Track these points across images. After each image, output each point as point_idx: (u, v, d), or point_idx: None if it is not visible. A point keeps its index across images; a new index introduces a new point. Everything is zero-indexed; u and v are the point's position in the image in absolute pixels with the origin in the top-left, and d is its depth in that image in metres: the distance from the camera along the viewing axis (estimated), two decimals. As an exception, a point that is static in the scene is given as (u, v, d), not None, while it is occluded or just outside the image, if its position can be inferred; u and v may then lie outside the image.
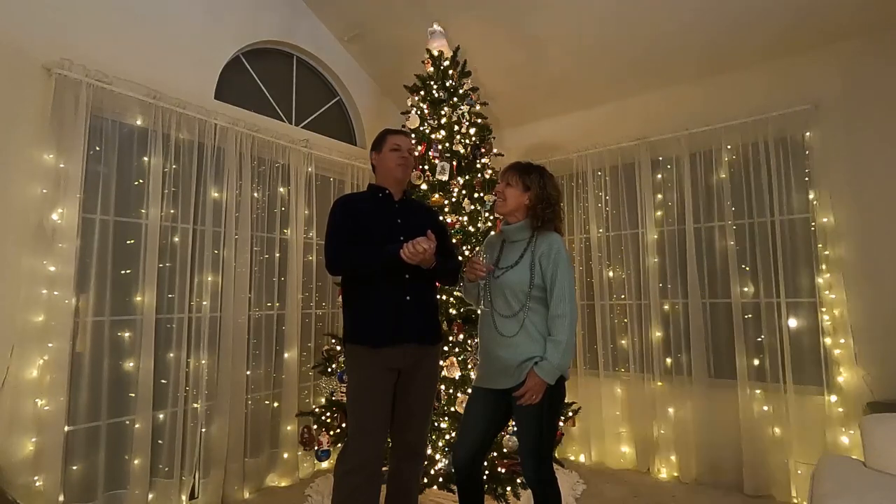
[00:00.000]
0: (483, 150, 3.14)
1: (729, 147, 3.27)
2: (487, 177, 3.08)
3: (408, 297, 1.96)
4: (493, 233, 2.15)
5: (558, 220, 1.95)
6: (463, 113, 3.13)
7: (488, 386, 1.91)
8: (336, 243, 1.96)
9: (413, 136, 3.05)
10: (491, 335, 1.90)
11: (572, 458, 3.71)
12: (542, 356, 1.78)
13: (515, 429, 2.65)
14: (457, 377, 2.68)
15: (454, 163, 3.04)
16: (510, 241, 1.97)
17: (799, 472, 2.90)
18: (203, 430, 2.88)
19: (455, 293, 2.82)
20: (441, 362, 2.66)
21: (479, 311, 2.02)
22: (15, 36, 2.35)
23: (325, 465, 3.38)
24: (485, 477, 2.40)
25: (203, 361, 2.90)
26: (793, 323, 3.04)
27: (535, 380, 1.75)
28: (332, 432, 2.82)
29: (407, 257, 1.79)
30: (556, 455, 2.36)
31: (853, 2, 2.74)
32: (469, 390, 2.63)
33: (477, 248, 2.01)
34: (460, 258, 2.81)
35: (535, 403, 1.76)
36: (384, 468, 2.01)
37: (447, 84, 3.18)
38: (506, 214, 1.98)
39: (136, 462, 2.58)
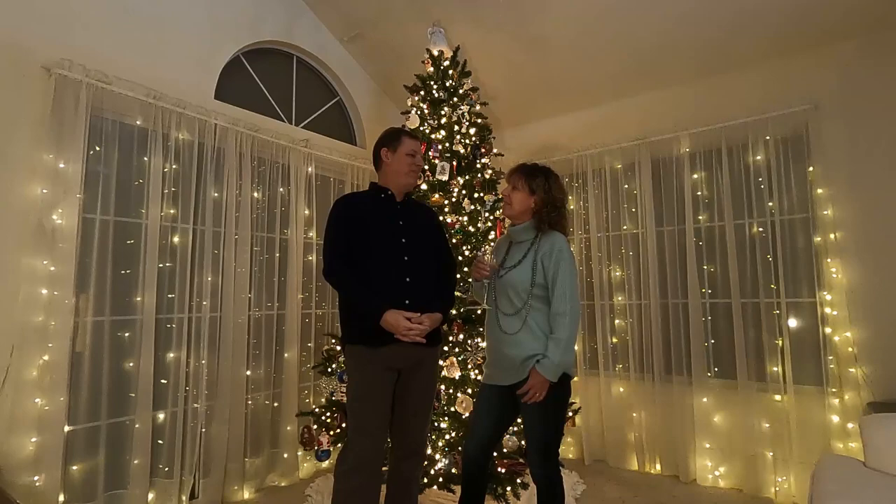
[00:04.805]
0: (483, 150, 3.14)
1: (729, 147, 3.27)
2: (487, 177, 3.08)
3: (407, 301, 1.95)
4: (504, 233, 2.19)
5: (564, 221, 1.97)
6: (463, 113, 3.13)
7: (495, 382, 1.96)
8: (335, 256, 1.96)
9: (414, 136, 3.06)
10: (496, 333, 1.95)
11: (572, 457, 3.72)
12: (543, 354, 1.80)
13: (515, 428, 2.68)
14: (457, 377, 2.67)
15: (454, 163, 3.04)
16: (516, 241, 2.02)
17: (799, 472, 2.90)
18: (203, 430, 2.88)
19: (455, 293, 2.82)
20: (441, 362, 2.66)
21: (481, 311, 2.06)
22: (15, 36, 2.35)
23: (325, 465, 3.38)
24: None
25: (203, 361, 2.90)
26: (793, 323, 3.04)
27: (538, 377, 1.78)
28: (332, 432, 2.82)
29: (396, 332, 1.86)
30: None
31: (853, 2, 2.74)
32: (469, 390, 2.64)
33: (484, 248, 2.05)
34: (458, 265, 2.82)
35: (540, 401, 1.78)
36: (384, 468, 2.01)
37: (447, 84, 3.18)
38: (512, 217, 2.03)
39: (136, 462, 2.58)
